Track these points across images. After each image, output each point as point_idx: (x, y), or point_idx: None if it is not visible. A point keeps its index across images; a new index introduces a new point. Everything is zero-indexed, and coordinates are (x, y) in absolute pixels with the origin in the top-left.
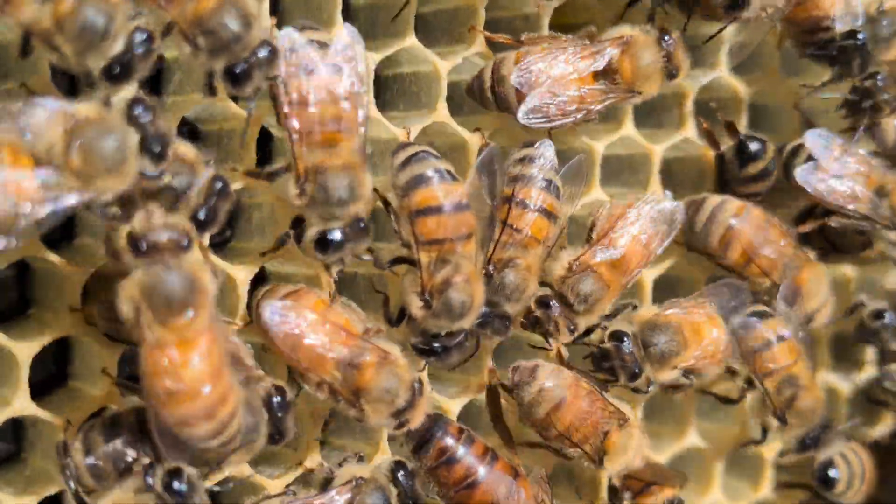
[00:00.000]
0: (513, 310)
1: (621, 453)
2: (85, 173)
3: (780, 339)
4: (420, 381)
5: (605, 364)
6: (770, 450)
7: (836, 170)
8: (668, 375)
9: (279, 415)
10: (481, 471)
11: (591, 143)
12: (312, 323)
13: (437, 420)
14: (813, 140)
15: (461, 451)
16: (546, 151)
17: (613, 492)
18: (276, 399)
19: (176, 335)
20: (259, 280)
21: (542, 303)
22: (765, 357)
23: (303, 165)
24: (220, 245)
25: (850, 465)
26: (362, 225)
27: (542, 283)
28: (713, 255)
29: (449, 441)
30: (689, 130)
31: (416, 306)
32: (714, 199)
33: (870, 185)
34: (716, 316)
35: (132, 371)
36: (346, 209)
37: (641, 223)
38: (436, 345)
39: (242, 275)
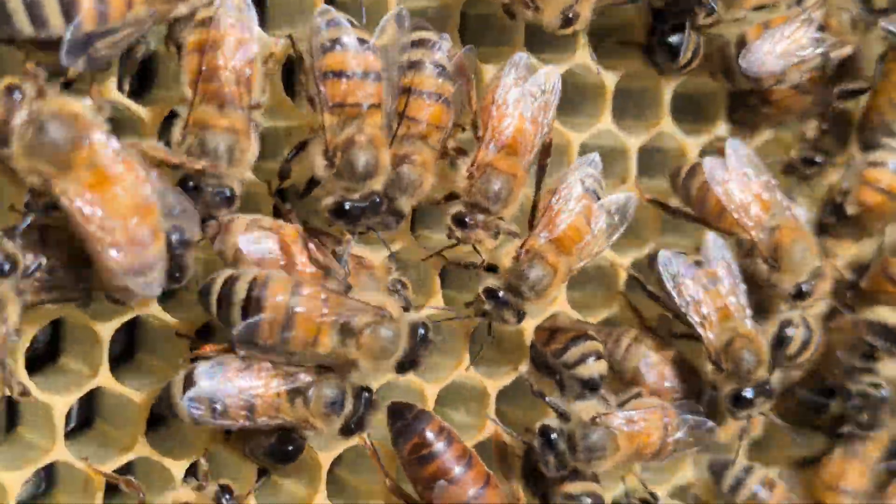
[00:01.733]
0: (407, 205)
1: None
2: None
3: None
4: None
5: None
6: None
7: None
8: None
9: (178, 252)
10: (457, 472)
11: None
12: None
13: (420, 413)
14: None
15: (439, 448)
16: (443, 43)
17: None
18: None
19: (84, 175)
20: None
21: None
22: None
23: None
24: None
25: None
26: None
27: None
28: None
29: (428, 436)
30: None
31: (320, 166)
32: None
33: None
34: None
35: None
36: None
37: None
38: (347, 205)
39: None
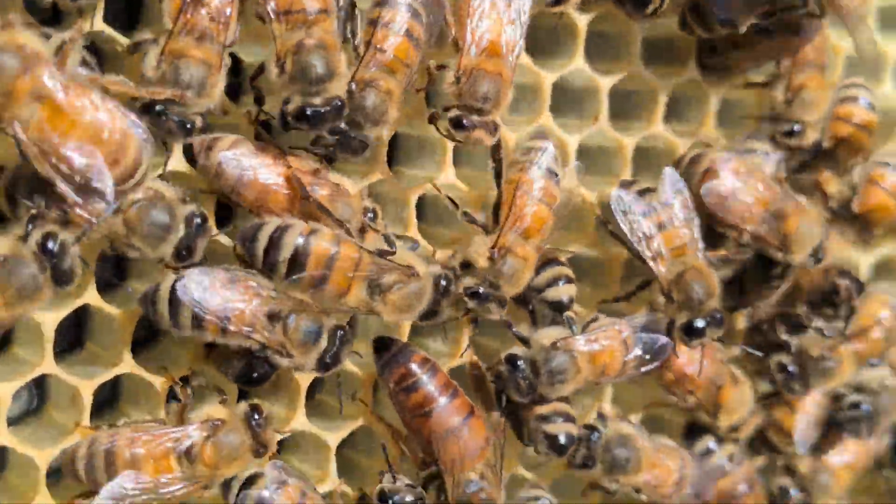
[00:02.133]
0: (371, 133)
1: None
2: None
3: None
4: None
5: None
6: None
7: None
8: None
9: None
10: (441, 401)
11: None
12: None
13: (403, 347)
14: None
15: (423, 379)
16: None
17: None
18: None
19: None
20: None
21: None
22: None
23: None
24: None
25: None
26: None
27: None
28: None
29: (412, 368)
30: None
31: (272, 73)
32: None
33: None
34: None
35: None
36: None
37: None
38: (308, 109)
39: None
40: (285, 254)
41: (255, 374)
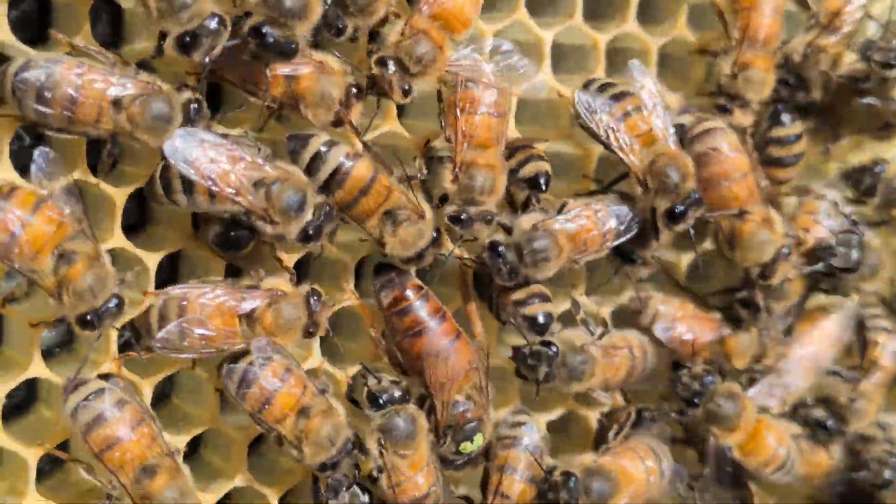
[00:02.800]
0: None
1: None
2: None
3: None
4: (357, 87)
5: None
6: None
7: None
8: None
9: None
10: (431, 324)
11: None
12: None
13: (401, 273)
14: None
15: (416, 304)
16: None
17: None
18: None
19: None
20: None
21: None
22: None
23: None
24: None
25: None
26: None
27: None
28: None
29: (407, 292)
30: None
31: None
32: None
33: None
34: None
35: None
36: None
37: None
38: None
39: None
40: (328, 169)
41: (233, 235)
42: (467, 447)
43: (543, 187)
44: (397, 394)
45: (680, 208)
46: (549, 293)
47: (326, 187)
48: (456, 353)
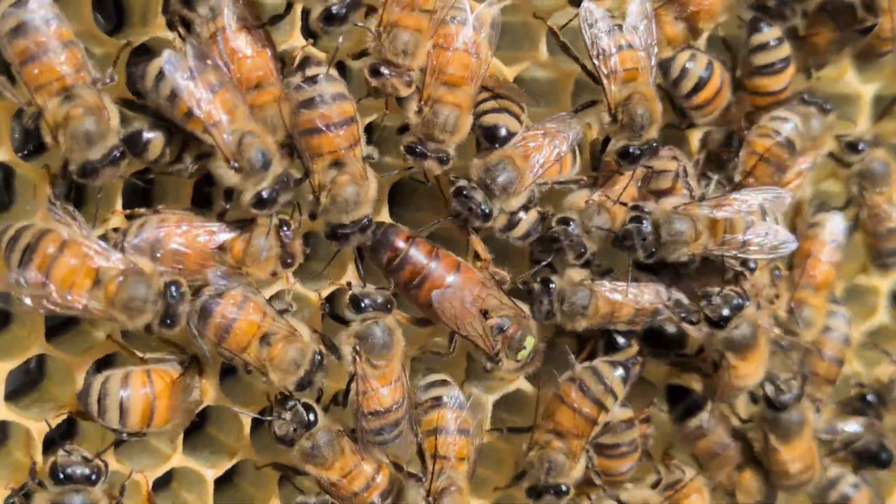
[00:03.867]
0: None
1: None
2: None
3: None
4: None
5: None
6: None
7: None
8: None
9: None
10: (430, 267)
11: None
12: None
13: (387, 228)
14: None
15: (410, 252)
16: None
17: None
18: None
19: None
20: None
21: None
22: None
23: None
24: None
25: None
26: None
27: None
28: None
29: (398, 244)
30: None
31: None
32: None
33: None
34: None
35: None
36: None
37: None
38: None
39: None
40: None
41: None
42: (524, 354)
43: (497, 142)
44: (379, 300)
45: (635, 151)
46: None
47: None
48: (463, 284)
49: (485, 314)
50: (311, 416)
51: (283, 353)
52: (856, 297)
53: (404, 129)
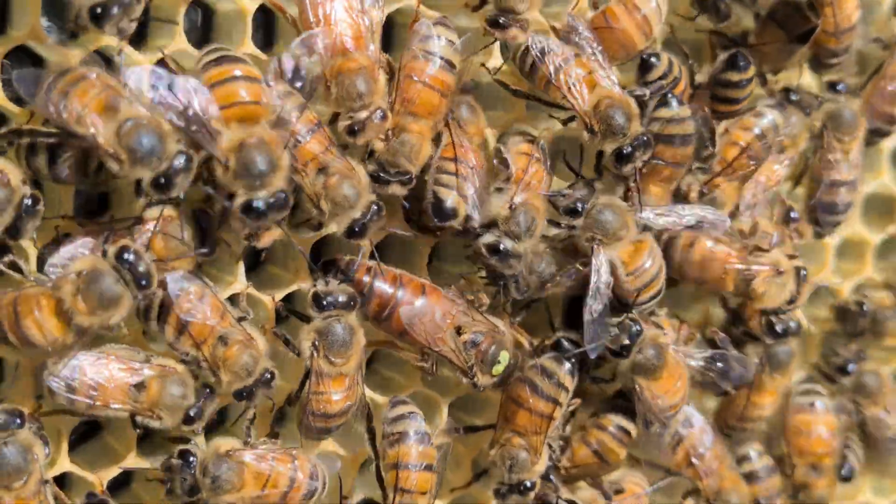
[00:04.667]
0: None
1: None
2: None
3: None
4: None
5: None
6: None
7: None
8: None
9: None
10: (397, 296)
11: None
12: None
13: (347, 263)
14: None
15: (375, 284)
16: None
17: None
18: None
19: None
20: None
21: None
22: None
23: None
24: None
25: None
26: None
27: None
28: None
29: (362, 279)
30: None
31: None
32: None
33: None
34: None
35: None
36: None
37: None
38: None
39: None
40: None
41: None
42: (499, 369)
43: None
44: (342, 298)
45: (627, 150)
46: None
47: None
48: (431, 306)
49: (458, 331)
50: (191, 459)
51: (238, 357)
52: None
53: (370, 153)
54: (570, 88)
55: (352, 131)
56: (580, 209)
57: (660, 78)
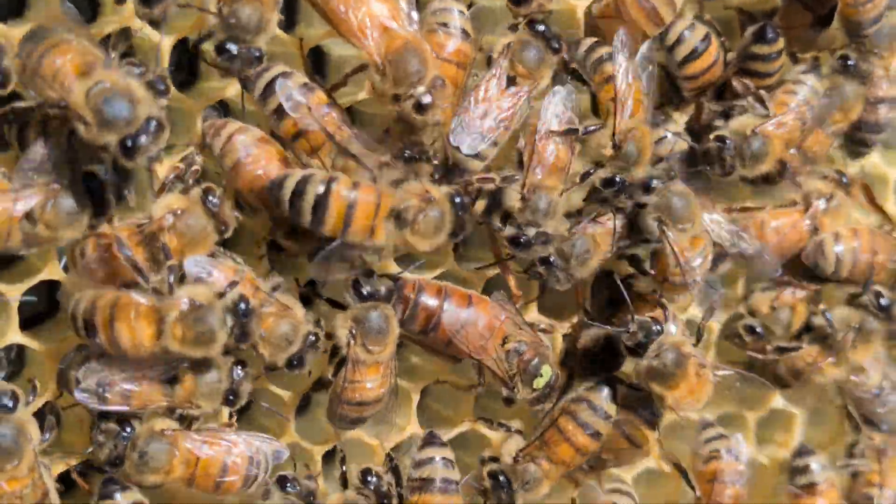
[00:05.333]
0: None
1: None
2: None
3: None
4: None
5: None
6: None
7: None
8: None
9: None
10: (442, 307)
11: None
12: None
13: (390, 282)
14: None
15: (420, 299)
16: None
17: None
18: None
19: None
20: None
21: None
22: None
23: None
24: None
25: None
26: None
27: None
28: None
29: (407, 295)
30: None
31: None
32: None
33: None
34: None
35: None
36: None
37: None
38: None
39: None
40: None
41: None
42: (540, 382)
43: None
44: (382, 290)
45: (621, 181)
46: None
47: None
48: (477, 316)
49: (503, 340)
50: (128, 429)
51: (275, 328)
52: None
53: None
54: (622, 101)
55: (419, 107)
56: (639, 347)
57: None
